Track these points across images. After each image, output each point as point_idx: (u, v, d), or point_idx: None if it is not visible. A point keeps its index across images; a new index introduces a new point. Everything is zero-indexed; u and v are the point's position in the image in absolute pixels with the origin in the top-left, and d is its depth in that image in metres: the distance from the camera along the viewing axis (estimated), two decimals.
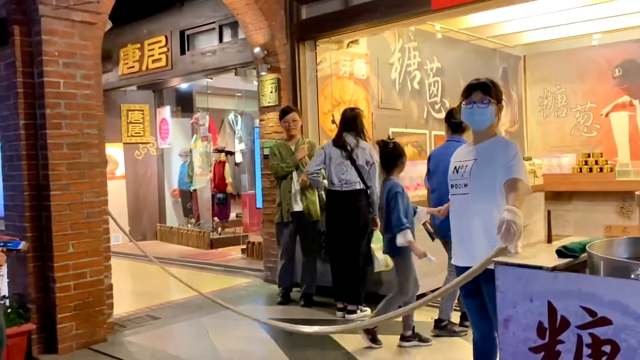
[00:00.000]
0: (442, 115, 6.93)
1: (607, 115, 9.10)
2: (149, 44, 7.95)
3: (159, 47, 7.77)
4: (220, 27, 7.11)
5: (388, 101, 7.22)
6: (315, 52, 6.17)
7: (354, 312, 4.82)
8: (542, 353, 2.03)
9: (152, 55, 7.87)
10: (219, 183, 9.01)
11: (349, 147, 4.85)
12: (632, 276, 1.85)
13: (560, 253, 2.18)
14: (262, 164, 6.29)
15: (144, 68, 8.07)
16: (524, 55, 9.84)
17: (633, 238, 2.24)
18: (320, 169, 4.92)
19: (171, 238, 9.45)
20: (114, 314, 5.00)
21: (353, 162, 4.83)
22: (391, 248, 3.98)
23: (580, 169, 7.58)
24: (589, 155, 7.64)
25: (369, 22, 5.57)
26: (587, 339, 1.94)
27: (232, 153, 9.69)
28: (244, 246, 7.87)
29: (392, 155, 4.02)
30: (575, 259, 2.16)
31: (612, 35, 8.43)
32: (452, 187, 2.88)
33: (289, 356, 3.99)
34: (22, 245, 3.25)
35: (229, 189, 9.00)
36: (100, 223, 4.40)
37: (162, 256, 7.92)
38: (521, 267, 2.09)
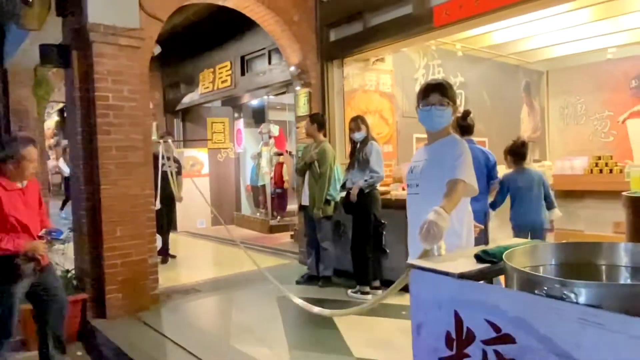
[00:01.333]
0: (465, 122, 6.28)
1: (623, 122, 7.90)
2: (219, 68, 7.83)
3: (226, 71, 7.63)
4: (269, 52, 6.84)
5: (412, 111, 6.59)
6: (342, 69, 5.73)
7: (358, 292, 4.37)
8: None
9: (221, 77, 7.73)
10: (278, 180, 8.74)
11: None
12: (537, 291, 1.28)
13: (479, 258, 1.62)
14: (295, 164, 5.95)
15: (215, 88, 7.96)
16: (547, 71, 8.79)
17: (566, 244, 1.62)
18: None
19: (243, 223, 9.33)
20: (164, 286, 4.89)
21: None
22: None
23: (591, 170, 6.56)
24: (599, 158, 6.61)
25: (382, 40, 5.04)
26: (492, 356, 1.38)
27: (293, 155, 9.40)
28: (292, 232, 7.54)
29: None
30: (493, 265, 1.59)
31: (629, 49, 7.29)
32: (407, 187, 2.37)
33: (285, 332, 3.59)
34: (65, 235, 3.03)
35: (286, 185, 8.70)
36: (144, 212, 4.21)
37: (231, 239, 7.80)
38: (431, 271, 1.57)
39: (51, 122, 16.69)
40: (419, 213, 2.21)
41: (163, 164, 5.42)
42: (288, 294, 3.27)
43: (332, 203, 4.64)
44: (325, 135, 5.05)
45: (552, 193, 4.28)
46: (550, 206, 4.20)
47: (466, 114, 3.93)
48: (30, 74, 7.15)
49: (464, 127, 3.90)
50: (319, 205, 4.63)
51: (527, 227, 4.07)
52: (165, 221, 6.25)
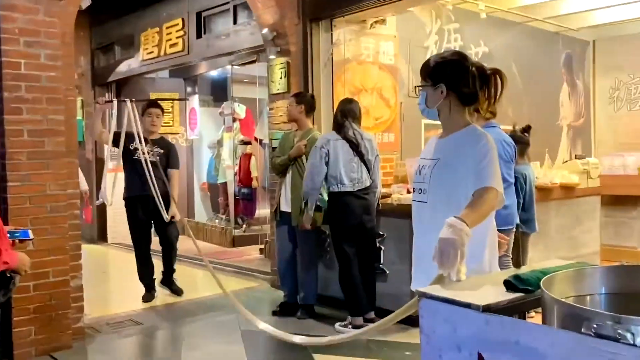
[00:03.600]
0: None
1: None
2: (167, 27, 7.76)
3: (176, 31, 7.57)
4: (235, 8, 6.81)
5: None
6: (332, 33, 5.74)
7: (349, 325, 4.42)
8: None
9: (170, 40, 7.67)
10: (244, 177, 8.72)
11: (356, 140, 4.52)
12: (583, 329, 1.30)
13: (509, 285, 1.64)
14: (270, 157, 5.92)
15: (162, 53, 7.89)
16: (593, 41, 8.94)
17: (619, 268, 1.66)
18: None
19: (196, 234, 9.24)
20: (92, 316, 4.86)
21: (362, 157, 4.51)
22: None
23: None
24: None
25: None
26: None
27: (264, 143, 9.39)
28: (262, 245, 7.55)
29: None
30: (527, 295, 1.62)
31: None
32: (413, 191, 2.40)
33: None
34: (31, 233, 2.89)
35: (255, 184, 8.69)
36: (66, 218, 4.16)
37: (182, 253, 7.75)
38: (447, 302, 1.58)
39: None
40: (427, 228, 2.24)
41: (135, 149, 5.19)
42: (259, 323, 3.30)
43: (323, 210, 4.65)
44: (313, 122, 5.07)
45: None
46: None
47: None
48: None
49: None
50: (307, 213, 4.63)
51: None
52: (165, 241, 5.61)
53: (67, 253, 4.17)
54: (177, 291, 5.70)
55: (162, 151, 5.43)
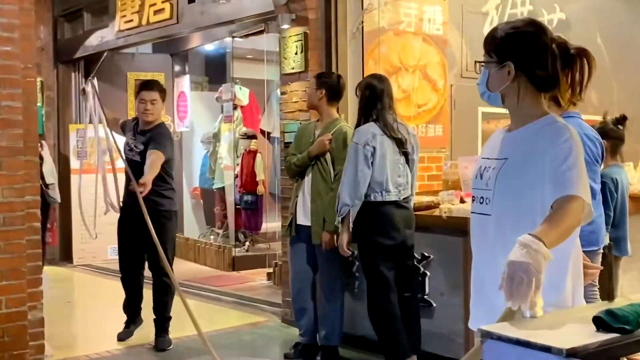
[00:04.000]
0: None
1: None
2: None
3: None
4: None
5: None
6: None
7: None
8: None
9: (154, 5, 7.75)
10: (247, 181, 8.77)
11: (403, 137, 4.53)
12: None
13: (600, 323, 1.64)
14: (282, 156, 5.97)
15: (144, 22, 7.97)
16: None
17: None
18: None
19: (187, 253, 9.36)
20: (54, 358, 4.91)
21: (406, 157, 4.57)
22: None
23: None
24: None
25: None
26: None
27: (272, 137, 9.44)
28: (271, 269, 7.59)
29: None
30: (624, 336, 1.62)
31: None
32: (472, 200, 2.40)
33: None
34: None
35: (261, 189, 8.74)
36: (22, 233, 4.24)
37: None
38: (520, 345, 1.59)
39: None
40: (491, 248, 2.25)
41: (129, 146, 5.27)
42: None
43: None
44: (338, 111, 5.09)
45: None
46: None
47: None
48: None
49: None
50: (330, 228, 4.64)
51: None
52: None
53: (24, 277, 4.23)
54: (162, 347, 5.35)
55: (143, 147, 5.30)
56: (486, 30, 6.68)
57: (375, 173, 4.42)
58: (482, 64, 2.31)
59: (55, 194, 7.01)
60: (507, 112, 2.36)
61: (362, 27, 5.75)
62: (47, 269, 5.40)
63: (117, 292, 7.37)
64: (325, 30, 5.71)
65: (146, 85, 5.49)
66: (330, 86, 4.91)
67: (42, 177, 6.75)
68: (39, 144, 6.88)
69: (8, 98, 4.17)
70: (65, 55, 9.50)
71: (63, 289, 7.64)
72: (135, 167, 5.06)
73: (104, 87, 9.61)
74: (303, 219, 4.90)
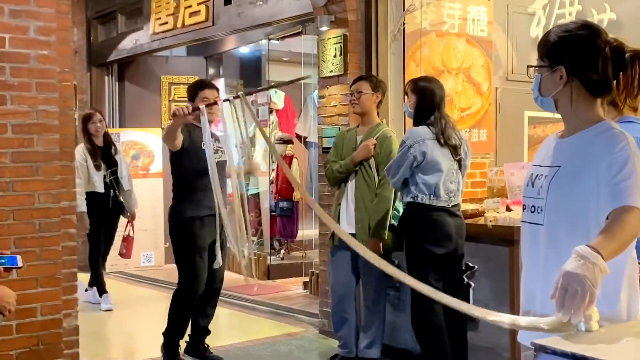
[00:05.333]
0: None
1: None
2: None
3: None
4: None
5: (523, 71, 6.60)
6: None
7: None
8: None
9: (190, 7, 7.83)
10: (282, 187, 8.81)
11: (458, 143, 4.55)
12: None
13: None
14: (320, 162, 6.00)
15: (179, 25, 8.06)
16: None
17: None
18: None
19: None
20: None
21: (460, 163, 4.60)
22: None
23: None
24: None
25: None
26: None
27: (308, 142, 9.47)
28: (307, 278, 7.62)
29: None
30: None
31: None
32: (523, 210, 2.40)
33: None
34: (20, 259, 3.09)
35: (297, 196, 8.76)
36: (58, 239, 4.29)
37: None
38: (575, 359, 1.59)
39: None
40: (543, 259, 2.26)
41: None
42: None
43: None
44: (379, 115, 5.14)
45: None
46: None
47: None
48: None
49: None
50: (379, 233, 4.64)
51: None
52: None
53: (59, 284, 4.28)
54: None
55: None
56: (533, 31, 6.68)
57: (426, 176, 4.43)
58: (535, 68, 2.32)
59: (132, 200, 7.13)
60: (556, 116, 2.36)
61: (404, 28, 5.75)
62: (80, 275, 5.48)
63: (150, 300, 7.51)
64: (365, 32, 5.73)
65: (207, 85, 5.29)
66: (385, 90, 5.00)
67: (116, 184, 6.91)
68: (113, 149, 7.03)
69: (44, 102, 4.22)
70: (98, 58, 9.63)
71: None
72: (219, 167, 4.67)
73: (137, 90, 9.78)
74: (347, 227, 4.90)
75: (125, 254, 7.53)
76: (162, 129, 9.75)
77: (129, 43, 9.06)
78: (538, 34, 6.67)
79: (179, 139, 4.84)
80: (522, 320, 1.99)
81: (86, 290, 7.06)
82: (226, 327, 6.60)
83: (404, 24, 5.75)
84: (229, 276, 8.83)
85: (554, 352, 1.63)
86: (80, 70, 9.48)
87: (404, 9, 5.75)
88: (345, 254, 4.99)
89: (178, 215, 5.03)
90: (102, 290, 7.00)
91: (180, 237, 5.01)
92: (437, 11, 5.94)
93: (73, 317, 4.47)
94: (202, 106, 4.19)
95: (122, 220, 7.27)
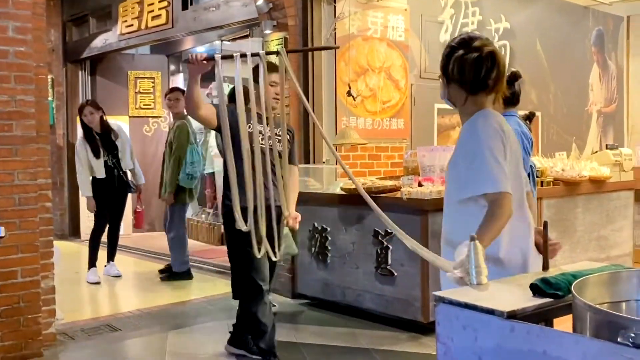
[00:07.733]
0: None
1: None
2: None
3: (159, 1, 7.56)
4: None
5: (434, 70, 6.66)
6: (334, 6, 5.77)
7: None
8: None
9: (152, 11, 7.66)
10: None
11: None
12: (620, 339, 1.32)
13: (536, 290, 1.67)
14: None
15: (143, 26, 7.88)
16: (628, 16, 8.97)
17: None
18: None
19: None
20: (65, 321, 4.88)
21: None
22: None
23: None
24: None
25: None
26: None
27: None
28: None
29: None
30: (556, 300, 1.64)
31: None
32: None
33: None
34: (2, 230, 2.96)
35: None
36: (35, 212, 4.17)
37: (161, 251, 7.80)
38: (468, 307, 1.61)
39: None
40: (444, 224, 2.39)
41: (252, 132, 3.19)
42: None
43: None
44: None
45: None
46: None
47: (513, 77, 3.92)
48: None
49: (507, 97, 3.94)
50: None
51: None
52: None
53: (37, 251, 4.18)
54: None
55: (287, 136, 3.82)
56: (442, 37, 6.75)
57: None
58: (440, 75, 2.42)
59: (140, 176, 6.84)
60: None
61: (335, 33, 5.78)
62: (57, 243, 5.34)
63: (123, 264, 7.31)
64: (302, 35, 5.71)
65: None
66: None
67: (119, 166, 6.55)
68: (113, 134, 6.68)
69: (22, 93, 4.09)
70: (73, 55, 9.37)
71: (72, 261, 7.56)
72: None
73: (107, 83, 9.56)
74: None
75: (136, 224, 8.02)
76: (130, 117, 9.65)
77: (100, 42, 8.83)
78: (446, 39, 6.74)
79: (207, 109, 3.66)
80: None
81: (105, 266, 6.79)
82: (187, 285, 6.52)
83: (335, 29, 5.77)
84: (189, 243, 8.78)
85: (450, 302, 1.65)
86: (57, 66, 9.26)
87: (335, 17, 5.76)
88: None
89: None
90: (92, 265, 6.68)
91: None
92: (362, 19, 5.97)
93: (50, 279, 4.38)
94: (217, 56, 2.81)
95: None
